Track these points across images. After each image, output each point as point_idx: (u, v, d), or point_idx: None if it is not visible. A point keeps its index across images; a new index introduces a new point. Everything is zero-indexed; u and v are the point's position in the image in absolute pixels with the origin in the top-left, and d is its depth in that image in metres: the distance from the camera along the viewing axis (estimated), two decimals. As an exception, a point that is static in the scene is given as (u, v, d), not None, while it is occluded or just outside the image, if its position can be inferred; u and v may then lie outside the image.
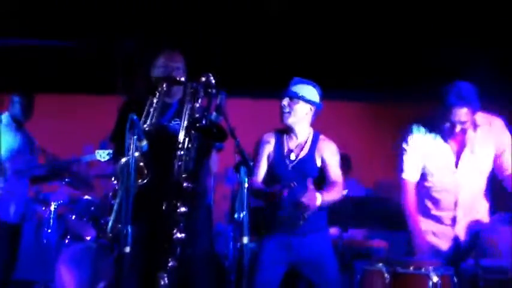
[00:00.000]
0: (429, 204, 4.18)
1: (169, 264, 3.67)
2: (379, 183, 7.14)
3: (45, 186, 6.26)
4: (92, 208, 5.93)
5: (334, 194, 4.03)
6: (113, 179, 5.96)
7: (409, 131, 4.19)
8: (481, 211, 4.17)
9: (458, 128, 4.00)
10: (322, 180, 4.10)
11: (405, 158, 4.18)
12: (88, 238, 5.89)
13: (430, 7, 6.25)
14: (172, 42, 4.19)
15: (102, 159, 5.90)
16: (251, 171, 3.14)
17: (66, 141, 7.19)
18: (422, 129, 4.16)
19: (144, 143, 3.35)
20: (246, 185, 3.04)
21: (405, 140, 4.19)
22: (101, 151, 5.89)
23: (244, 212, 2.99)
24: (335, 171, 4.12)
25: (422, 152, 4.15)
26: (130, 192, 3.26)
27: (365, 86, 7.51)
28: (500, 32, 6.15)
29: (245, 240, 2.99)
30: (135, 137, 3.27)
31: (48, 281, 5.82)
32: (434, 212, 4.16)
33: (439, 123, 4.07)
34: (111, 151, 5.76)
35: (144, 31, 6.53)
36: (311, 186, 3.91)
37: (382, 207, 5.44)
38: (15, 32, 6.71)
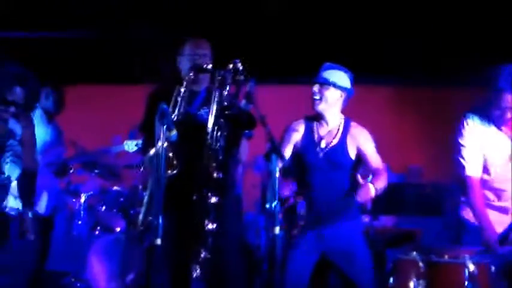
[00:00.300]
0: (491, 195, 3.99)
1: (201, 256, 3.63)
2: (409, 168, 7.04)
3: (74, 177, 6.26)
4: (121, 199, 5.94)
5: (382, 182, 3.93)
6: (141, 169, 6.07)
7: (462, 124, 3.96)
8: None
9: (509, 115, 3.79)
10: (356, 169, 4.03)
11: (464, 153, 3.94)
12: (118, 229, 5.89)
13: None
14: (194, 29, 4.10)
15: (131, 150, 5.87)
16: (283, 159, 3.07)
17: (95, 133, 7.17)
18: (476, 119, 3.94)
19: (174, 132, 3.30)
20: (278, 173, 2.98)
21: (460, 133, 3.97)
22: (129, 142, 5.86)
23: (275, 202, 2.93)
24: (374, 158, 4.04)
25: (480, 144, 3.93)
26: (160, 183, 3.20)
27: (394, 70, 7.37)
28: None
29: (277, 230, 2.93)
30: (164, 126, 3.21)
31: (79, 272, 5.82)
32: (497, 203, 3.97)
33: (489, 110, 3.86)
34: (139, 142, 5.76)
35: (162, 18, 6.47)
36: (361, 180, 3.84)
37: (413, 192, 5.37)
38: (35, 25, 6.69)
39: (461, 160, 3.95)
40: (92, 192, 6.20)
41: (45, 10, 6.47)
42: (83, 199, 6.14)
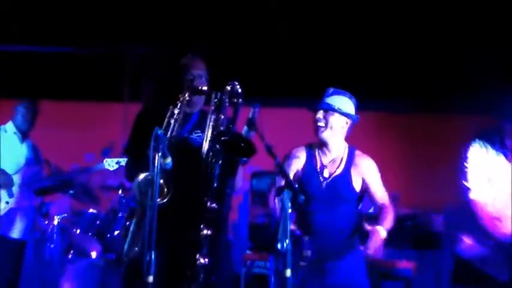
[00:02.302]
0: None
1: (192, 293, 3.33)
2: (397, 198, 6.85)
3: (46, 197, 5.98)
4: (98, 222, 5.69)
5: (390, 220, 3.71)
6: (119, 192, 5.79)
7: (467, 148, 3.81)
8: None
9: None
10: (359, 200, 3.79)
11: (468, 177, 3.78)
12: (93, 253, 5.60)
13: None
14: (192, 49, 3.83)
15: (112, 169, 5.59)
16: (297, 196, 2.77)
17: (66, 150, 6.88)
18: (483, 145, 3.79)
19: (169, 160, 3.02)
20: (290, 211, 2.69)
21: (465, 157, 3.81)
22: (109, 160, 5.59)
23: (287, 241, 2.64)
24: (380, 192, 3.81)
25: (485, 170, 3.77)
26: (153, 214, 2.91)
27: (373, 95, 7.21)
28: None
29: (288, 273, 2.64)
30: (159, 154, 2.92)
31: (51, 298, 5.53)
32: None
33: (499, 139, 3.73)
34: (120, 159, 5.48)
35: (154, 38, 6.22)
36: (368, 227, 3.60)
37: (409, 225, 5.17)
38: (19, 38, 6.42)
39: (465, 183, 3.79)
40: (65, 214, 5.91)
41: (21, 23, 6.19)
42: (56, 221, 5.84)
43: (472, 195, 3.76)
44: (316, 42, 6.38)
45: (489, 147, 3.78)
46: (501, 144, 3.75)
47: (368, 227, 3.60)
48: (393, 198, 6.64)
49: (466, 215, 3.81)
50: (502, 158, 3.76)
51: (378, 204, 3.80)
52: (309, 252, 3.53)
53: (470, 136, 3.87)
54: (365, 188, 3.80)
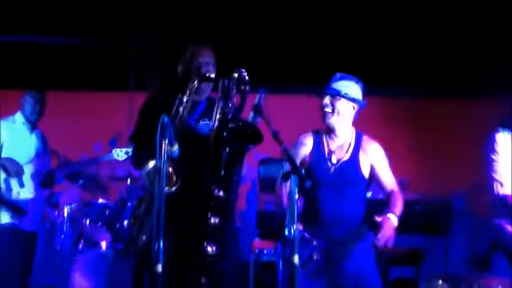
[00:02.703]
0: None
1: (201, 281, 3.33)
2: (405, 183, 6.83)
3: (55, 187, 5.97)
4: (107, 212, 5.68)
5: (400, 206, 3.70)
6: (128, 181, 5.81)
7: (493, 138, 3.77)
8: None
9: None
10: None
11: (497, 170, 3.74)
12: (103, 243, 5.62)
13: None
14: (198, 37, 3.82)
15: (121, 159, 5.60)
16: (303, 181, 2.76)
17: (74, 141, 6.89)
18: (507, 131, 3.76)
19: (176, 147, 3.02)
20: (297, 196, 2.69)
21: (492, 149, 3.77)
22: (118, 150, 5.59)
23: (295, 227, 2.64)
24: (388, 177, 3.79)
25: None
26: (161, 202, 2.91)
27: (381, 80, 7.18)
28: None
29: (296, 259, 2.63)
30: (166, 141, 2.92)
31: None
32: None
33: None
34: (128, 149, 5.48)
35: (159, 27, 6.20)
36: (379, 219, 3.58)
37: (418, 210, 5.15)
38: (25, 29, 6.41)
39: (496, 176, 3.75)
40: (75, 205, 5.93)
41: (26, 13, 6.18)
42: (66, 212, 5.85)
43: (505, 189, 3.72)
44: (323, 28, 6.32)
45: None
46: None
47: (378, 219, 3.57)
48: (402, 183, 6.66)
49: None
50: None
51: (386, 189, 3.78)
52: (316, 256, 3.52)
53: (484, 121, 3.84)
54: (373, 174, 3.78)
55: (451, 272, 4.11)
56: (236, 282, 3.71)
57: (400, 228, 5.17)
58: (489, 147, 3.76)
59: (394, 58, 6.66)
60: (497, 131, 3.77)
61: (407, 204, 4.48)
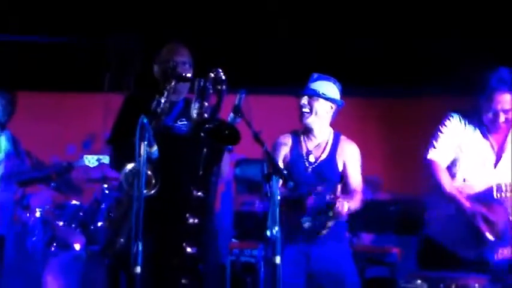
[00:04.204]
0: None
1: (182, 282, 3.32)
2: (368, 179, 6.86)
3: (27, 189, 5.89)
4: (81, 214, 5.63)
5: (356, 203, 3.74)
6: (102, 182, 5.75)
7: (448, 116, 3.87)
8: None
9: (502, 118, 3.69)
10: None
11: (438, 141, 3.84)
12: (77, 245, 5.55)
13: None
14: (173, 36, 3.79)
15: (92, 165, 5.53)
16: (285, 181, 2.77)
17: (46, 142, 6.79)
18: (462, 119, 3.84)
19: (155, 149, 2.99)
20: (279, 197, 2.68)
21: (443, 124, 3.87)
22: (89, 156, 5.53)
23: (276, 228, 2.63)
24: (356, 178, 3.84)
25: (458, 143, 3.83)
26: (140, 204, 2.88)
27: (356, 81, 7.22)
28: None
29: (278, 260, 2.63)
30: (145, 142, 2.89)
31: (33, 292, 5.47)
32: None
33: (479, 115, 3.78)
34: (100, 157, 5.43)
35: (137, 27, 6.16)
36: (339, 194, 3.61)
37: (393, 210, 5.19)
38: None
39: (433, 143, 3.87)
40: (47, 207, 5.84)
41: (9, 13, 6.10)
42: (38, 213, 5.77)
43: (431, 154, 3.84)
44: (299, 29, 6.36)
45: (467, 123, 3.84)
46: (479, 122, 3.82)
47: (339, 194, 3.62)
48: (374, 182, 6.71)
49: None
50: (478, 134, 3.82)
51: (350, 188, 3.82)
52: (307, 224, 3.54)
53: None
54: (343, 172, 3.82)
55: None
56: (216, 283, 3.69)
57: (376, 229, 5.23)
58: (441, 123, 3.88)
59: (367, 58, 6.69)
60: (454, 114, 3.88)
61: (382, 205, 4.52)
